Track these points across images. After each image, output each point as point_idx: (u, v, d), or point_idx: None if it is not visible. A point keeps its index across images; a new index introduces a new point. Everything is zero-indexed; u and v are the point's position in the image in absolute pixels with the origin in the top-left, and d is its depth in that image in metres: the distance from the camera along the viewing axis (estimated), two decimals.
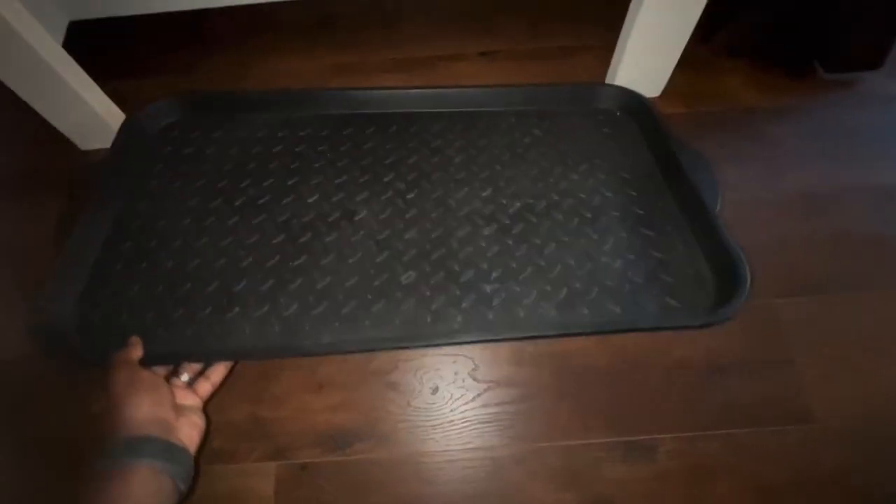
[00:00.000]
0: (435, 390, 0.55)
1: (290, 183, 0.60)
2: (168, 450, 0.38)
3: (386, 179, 0.60)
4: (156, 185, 0.61)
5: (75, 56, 0.61)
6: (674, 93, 0.71)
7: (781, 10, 0.66)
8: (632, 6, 0.62)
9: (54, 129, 0.66)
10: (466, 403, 0.54)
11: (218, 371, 0.48)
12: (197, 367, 0.48)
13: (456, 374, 0.56)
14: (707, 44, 0.73)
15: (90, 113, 0.64)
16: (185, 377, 0.47)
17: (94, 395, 0.41)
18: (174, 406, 0.42)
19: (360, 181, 0.61)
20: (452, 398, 0.55)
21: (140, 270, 0.54)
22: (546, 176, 0.61)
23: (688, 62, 0.66)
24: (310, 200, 0.59)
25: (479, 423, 0.53)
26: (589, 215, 0.58)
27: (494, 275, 0.54)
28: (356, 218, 0.58)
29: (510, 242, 0.56)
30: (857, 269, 0.59)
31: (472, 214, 0.58)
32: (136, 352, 0.45)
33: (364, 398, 0.55)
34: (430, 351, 0.57)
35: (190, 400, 0.45)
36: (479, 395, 0.55)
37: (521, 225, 0.57)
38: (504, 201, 0.59)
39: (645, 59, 0.66)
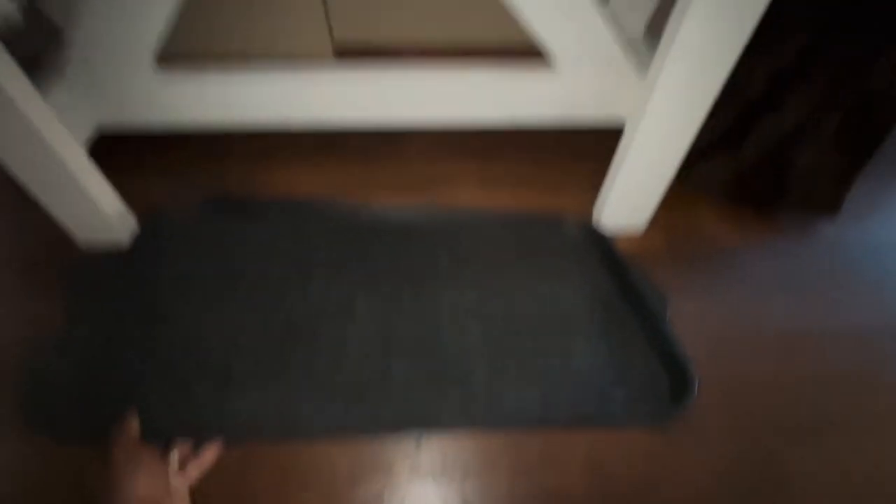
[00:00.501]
0: None
1: (294, 280, 0.64)
2: None
3: (383, 282, 0.65)
4: (164, 275, 0.64)
5: (95, 148, 0.64)
6: (656, 228, 0.77)
7: (743, 161, 0.75)
8: (619, 152, 0.70)
9: (53, 221, 0.66)
10: None
11: (207, 455, 0.48)
12: (187, 448, 0.48)
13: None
14: (682, 183, 0.81)
15: (99, 212, 0.65)
16: (175, 458, 0.46)
17: (92, 469, 0.42)
18: (167, 485, 0.43)
19: (358, 283, 0.65)
20: None
21: (142, 351, 0.56)
22: (523, 286, 0.67)
23: (667, 201, 0.73)
24: (311, 297, 0.63)
25: None
26: (561, 322, 0.63)
27: (479, 372, 0.57)
28: (354, 312, 0.62)
29: (492, 343, 0.60)
30: (833, 409, 0.61)
31: (458, 316, 0.63)
32: (134, 426, 0.47)
33: None
34: (418, 480, 0.54)
35: (178, 482, 0.45)
36: None
37: (501, 327, 0.62)
38: (487, 306, 0.64)
39: (630, 199, 0.73)
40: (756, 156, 0.73)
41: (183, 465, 0.47)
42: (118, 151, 0.69)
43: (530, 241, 0.73)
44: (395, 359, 0.57)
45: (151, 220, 0.68)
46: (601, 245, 0.72)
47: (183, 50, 0.74)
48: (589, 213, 0.79)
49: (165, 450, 0.47)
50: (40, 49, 0.65)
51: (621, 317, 0.64)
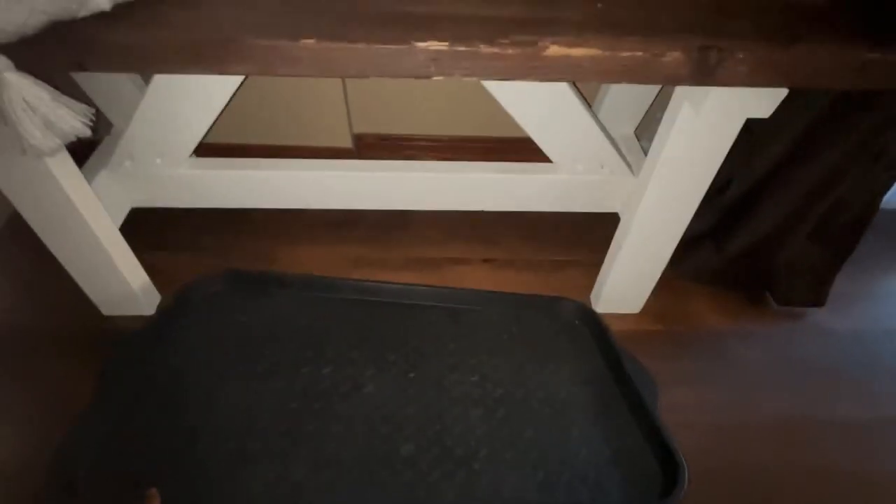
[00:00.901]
0: None
1: (308, 354, 0.68)
2: None
3: (391, 358, 0.69)
4: (189, 347, 0.67)
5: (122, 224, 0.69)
6: (651, 311, 0.81)
7: (729, 254, 0.80)
8: (614, 242, 0.75)
9: (80, 293, 0.70)
10: None
11: None
12: None
13: None
14: (675, 271, 0.86)
15: (126, 286, 0.70)
16: None
17: None
18: None
19: (368, 357, 0.68)
20: None
21: (161, 424, 0.58)
22: (523, 368, 0.70)
23: (662, 285, 0.77)
24: (324, 371, 0.66)
25: None
26: (558, 406, 0.66)
27: (482, 453, 0.59)
28: (364, 391, 0.64)
29: (495, 424, 0.63)
30: (822, 501, 0.62)
31: (463, 396, 0.65)
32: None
33: None
34: None
35: None
36: None
37: (503, 409, 0.65)
38: (489, 386, 0.67)
39: (626, 283, 0.77)
40: (739, 251, 0.78)
41: None
42: (142, 228, 0.74)
43: (529, 324, 0.76)
44: (402, 439, 0.60)
45: (176, 296, 0.72)
46: (596, 329, 0.75)
47: (216, 140, 0.81)
48: (587, 294, 0.83)
49: None
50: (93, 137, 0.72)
51: (615, 403, 0.67)
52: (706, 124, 0.56)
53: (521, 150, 0.86)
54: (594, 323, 0.76)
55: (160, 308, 0.71)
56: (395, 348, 0.70)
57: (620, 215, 0.76)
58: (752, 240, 0.76)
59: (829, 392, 0.73)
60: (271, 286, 0.77)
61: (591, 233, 0.84)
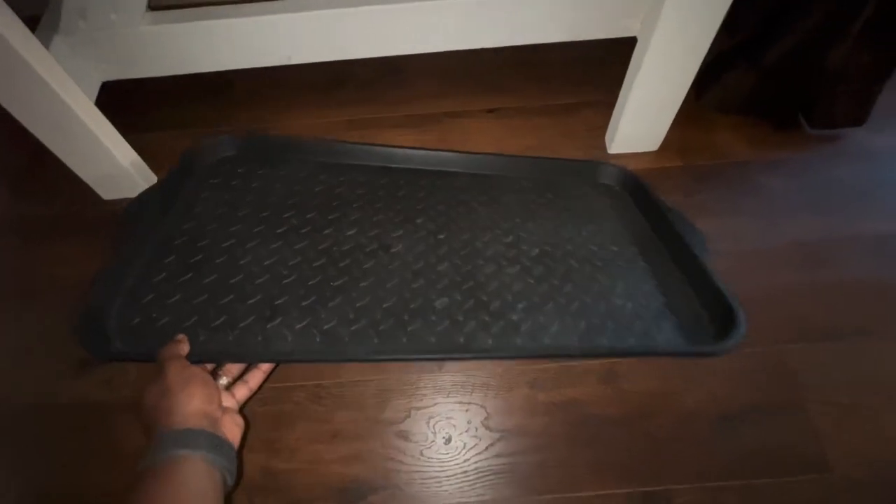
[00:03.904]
0: (448, 440, 0.55)
1: (330, 217, 0.65)
2: (218, 444, 0.39)
3: (418, 221, 0.66)
4: (202, 210, 0.64)
5: (103, 110, 0.64)
6: (670, 147, 0.75)
7: (766, 70, 0.71)
8: (630, 69, 0.67)
9: (78, 179, 0.69)
10: (479, 453, 0.54)
11: (256, 376, 0.49)
12: (235, 370, 0.49)
13: (469, 422, 0.56)
14: (698, 100, 0.78)
15: (118, 166, 0.67)
16: (223, 380, 0.48)
17: (144, 388, 0.42)
18: (220, 403, 0.43)
19: (394, 221, 0.65)
20: (465, 448, 0.55)
21: (183, 282, 0.57)
22: (559, 231, 0.66)
23: (682, 118, 0.71)
24: (349, 233, 0.63)
25: (493, 474, 0.53)
26: (599, 264, 0.63)
27: (520, 306, 0.57)
28: (392, 250, 0.62)
29: (532, 281, 0.60)
30: (861, 316, 0.61)
31: (496, 255, 0.63)
32: (185, 347, 0.47)
33: (377, 448, 0.54)
34: (442, 399, 0.58)
35: (228, 402, 0.45)
36: (492, 444, 0.55)
37: (540, 267, 0.61)
38: (524, 247, 0.64)
39: (643, 117, 0.70)
40: (779, 63, 0.69)
41: (230, 387, 0.48)
42: (120, 111, 0.68)
43: (565, 189, 0.71)
44: (435, 293, 0.58)
45: (182, 158, 0.67)
46: (638, 191, 0.70)
47: None
48: (602, 136, 0.77)
49: (213, 373, 0.48)
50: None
51: (662, 259, 0.63)
52: None
53: None
54: (636, 184, 0.71)
55: (167, 176, 0.66)
56: (422, 212, 0.67)
57: (638, 38, 0.67)
58: (791, 46, 0.67)
59: (862, 211, 0.69)
60: (284, 151, 0.72)
61: (605, 70, 0.75)
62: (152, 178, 0.73)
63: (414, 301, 0.57)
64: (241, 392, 0.48)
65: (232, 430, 0.42)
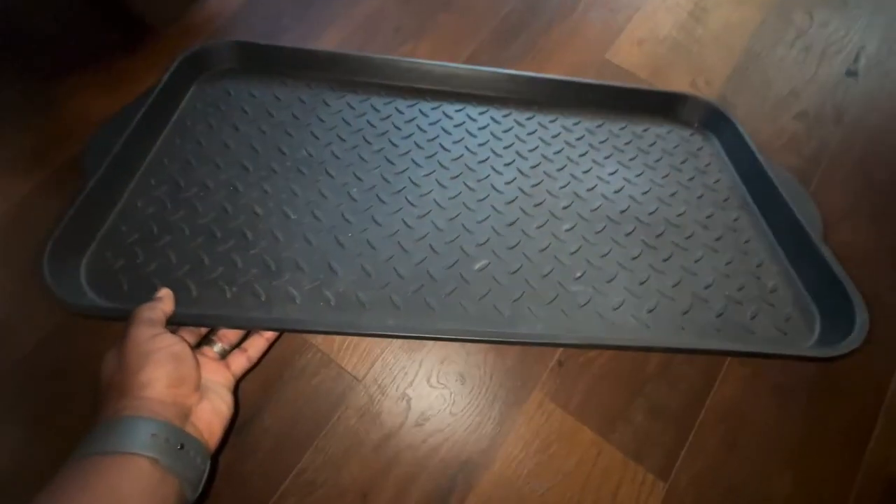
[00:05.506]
0: None
1: (349, 155, 0.52)
2: (179, 442, 0.29)
3: (453, 169, 0.52)
4: (202, 128, 0.52)
5: None
6: None
7: None
8: None
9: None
10: None
11: (257, 344, 0.40)
12: (233, 336, 0.39)
13: None
14: None
15: None
16: (217, 347, 0.38)
17: (103, 356, 0.32)
18: (198, 385, 0.33)
19: (430, 164, 0.52)
20: None
21: (175, 219, 0.46)
22: (633, 184, 0.54)
23: None
24: (371, 175, 0.51)
25: None
26: (678, 226, 0.51)
27: (578, 274, 0.47)
28: (425, 202, 0.50)
29: (594, 242, 0.49)
30: None
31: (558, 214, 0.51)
32: (166, 306, 0.36)
33: None
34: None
35: (220, 376, 0.36)
36: None
37: (604, 226, 0.50)
38: (590, 203, 0.52)
39: None
40: None
41: (225, 356, 0.38)
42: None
43: (639, 129, 0.58)
44: (475, 256, 0.46)
45: (178, 64, 0.52)
46: (728, 133, 0.56)
47: None
48: None
49: (205, 338, 0.39)
50: None
51: (756, 230, 0.51)
52: None
53: None
54: (726, 125, 0.56)
55: (161, 80, 0.51)
56: (460, 157, 0.53)
57: None
58: None
59: None
60: (300, 67, 0.57)
61: None
62: None
63: (449, 258, 0.46)
64: (239, 363, 0.38)
65: (209, 421, 0.32)
